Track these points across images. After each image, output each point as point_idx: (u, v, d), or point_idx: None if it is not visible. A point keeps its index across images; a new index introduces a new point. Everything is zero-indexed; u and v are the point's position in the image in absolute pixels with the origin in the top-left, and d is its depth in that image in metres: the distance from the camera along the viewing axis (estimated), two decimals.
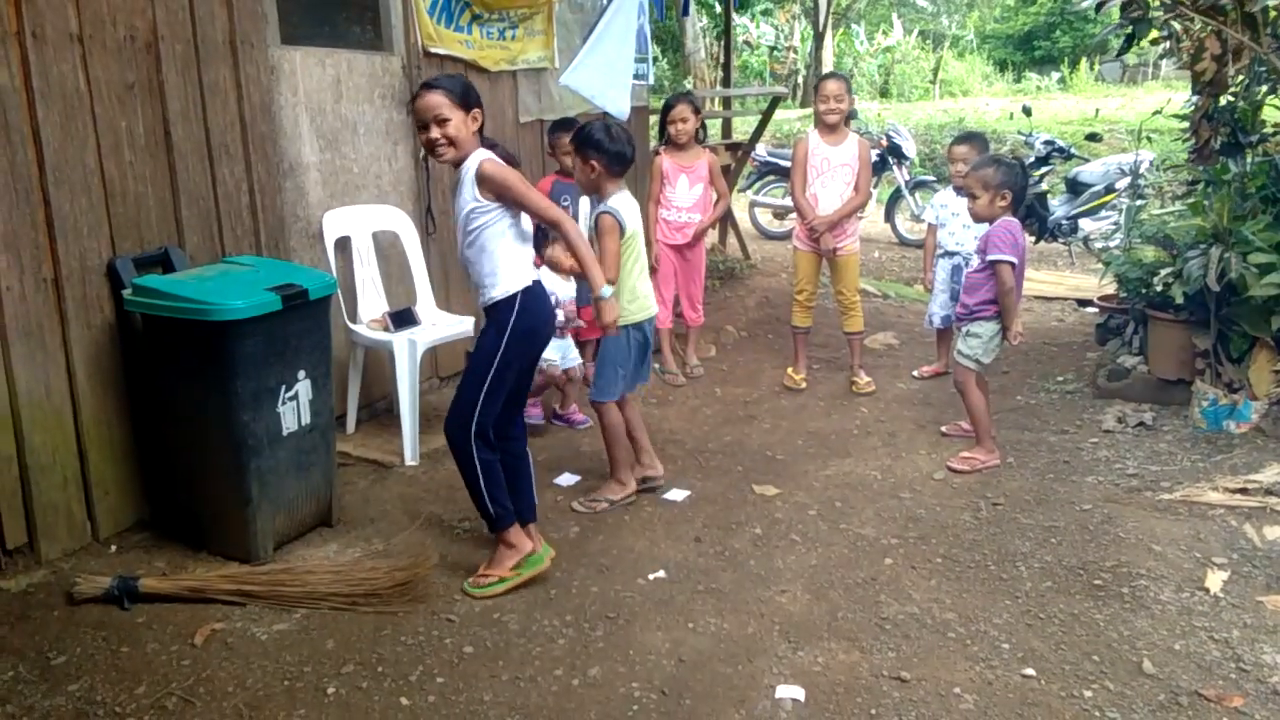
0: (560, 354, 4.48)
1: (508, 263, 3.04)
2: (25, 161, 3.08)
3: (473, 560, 3.30)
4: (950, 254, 5.22)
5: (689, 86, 15.03)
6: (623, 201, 3.63)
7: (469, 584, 3.14)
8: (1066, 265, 8.49)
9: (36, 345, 3.16)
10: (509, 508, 3.15)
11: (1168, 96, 6.98)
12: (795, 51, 22.86)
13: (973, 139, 5.27)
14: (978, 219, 4.15)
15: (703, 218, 5.36)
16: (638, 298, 3.75)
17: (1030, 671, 2.70)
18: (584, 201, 4.61)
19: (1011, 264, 3.98)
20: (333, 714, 2.55)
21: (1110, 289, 5.51)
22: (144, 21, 3.41)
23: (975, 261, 4.17)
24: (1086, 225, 8.35)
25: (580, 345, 4.80)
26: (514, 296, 3.05)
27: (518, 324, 3.06)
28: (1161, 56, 5.44)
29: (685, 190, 5.32)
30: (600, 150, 3.56)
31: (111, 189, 3.35)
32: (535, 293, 3.11)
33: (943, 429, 4.54)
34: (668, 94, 9.24)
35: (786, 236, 9.20)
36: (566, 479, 4.07)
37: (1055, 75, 21.79)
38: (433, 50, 4.75)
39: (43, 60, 3.10)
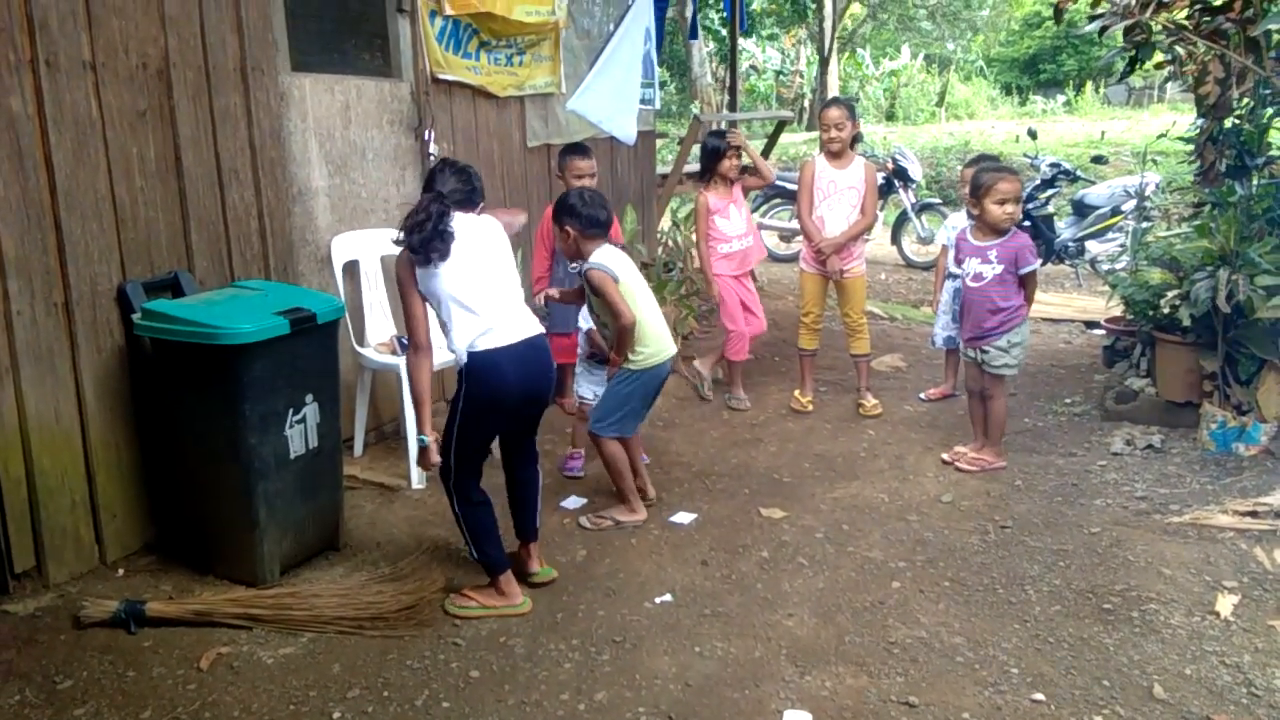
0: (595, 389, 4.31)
1: (455, 326, 3.02)
2: (37, 187, 3.11)
3: (478, 585, 3.29)
4: (954, 276, 5.24)
5: (696, 110, 15.13)
6: (606, 255, 3.66)
7: (449, 600, 3.20)
8: (1073, 287, 8.49)
9: (46, 369, 3.18)
10: (497, 557, 3.19)
11: (1173, 119, 6.99)
12: (801, 76, 23.04)
13: (984, 162, 5.31)
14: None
15: (753, 238, 5.36)
16: (648, 344, 3.74)
17: (1040, 696, 2.68)
18: None
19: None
20: None
21: (1117, 311, 5.50)
22: (156, 49, 3.45)
23: (997, 272, 4.20)
24: (1093, 247, 8.37)
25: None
26: (462, 371, 3.05)
27: (469, 396, 3.04)
28: (1166, 79, 5.45)
29: (737, 217, 5.27)
30: (574, 215, 3.61)
31: (122, 214, 3.38)
32: (488, 361, 3.01)
33: (944, 457, 4.47)
34: (674, 119, 9.26)
35: (793, 259, 9.22)
36: (573, 501, 4.07)
37: (1061, 98, 21.91)
38: (441, 77, 4.80)
39: (56, 87, 3.13)
